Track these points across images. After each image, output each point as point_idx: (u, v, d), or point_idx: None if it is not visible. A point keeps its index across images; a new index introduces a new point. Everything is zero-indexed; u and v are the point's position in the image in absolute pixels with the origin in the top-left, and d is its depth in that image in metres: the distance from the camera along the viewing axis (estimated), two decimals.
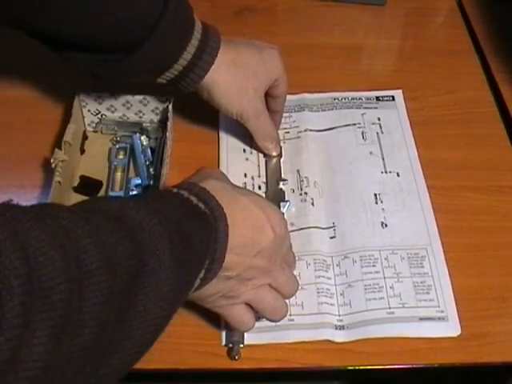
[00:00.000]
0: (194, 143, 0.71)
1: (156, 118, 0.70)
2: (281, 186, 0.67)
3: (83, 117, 0.70)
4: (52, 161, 0.61)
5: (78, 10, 0.55)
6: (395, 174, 0.69)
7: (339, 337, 0.56)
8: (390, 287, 0.59)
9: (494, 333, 0.57)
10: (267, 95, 0.68)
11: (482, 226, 0.65)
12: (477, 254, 0.63)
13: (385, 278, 0.60)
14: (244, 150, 0.71)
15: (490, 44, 0.84)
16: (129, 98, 0.68)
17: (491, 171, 0.70)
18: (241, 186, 0.67)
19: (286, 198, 0.66)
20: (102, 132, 0.71)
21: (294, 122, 0.74)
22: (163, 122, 0.68)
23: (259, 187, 0.67)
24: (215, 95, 0.63)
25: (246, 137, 0.71)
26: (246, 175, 0.68)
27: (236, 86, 0.63)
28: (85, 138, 0.70)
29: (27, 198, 0.65)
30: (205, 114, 0.74)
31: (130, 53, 0.57)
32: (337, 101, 0.76)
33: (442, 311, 0.58)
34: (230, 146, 0.71)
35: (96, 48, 0.58)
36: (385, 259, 0.61)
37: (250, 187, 0.67)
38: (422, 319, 0.57)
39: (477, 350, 0.56)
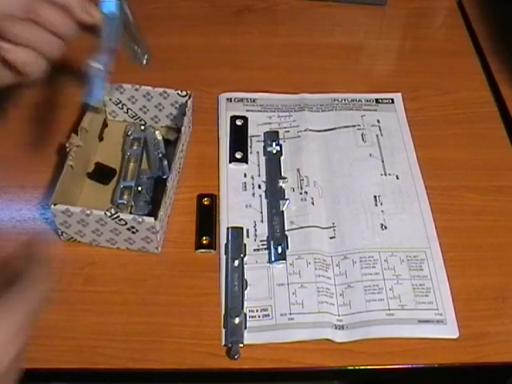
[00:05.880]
0: (194, 143, 0.71)
1: (174, 112, 0.70)
2: (280, 184, 0.67)
3: (104, 105, 0.70)
4: (67, 145, 0.62)
5: None
6: (395, 177, 0.69)
7: (339, 336, 0.56)
8: (390, 289, 0.59)
9: (494, 333, 0.57)
10: None
11: (482, 225, 0.65)
12: (476, 254, 0.63)
13: (384, 279, 0.60)
14: (244, 150, 0.71)
15: (490, 44, 0.84)
16: (150, 89, 0.69)
17: (491, 171, 0.70)
18: (240, 185, 0.67)
19: (286, 197, 0.66)
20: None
21: (294, 121, 0.74)
22: (180, 119, 0.68)
23: (259, 186, 0.67)
24: None
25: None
26: (245, 175, 0.68)
27: None
28: (105, 125, 0.71)
29: (27, 197, 0.65)
30: (205, 113, 0.74)
31: None
32: (336, 102, 0.76)
33: (441, 314, 0.58)
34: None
35: None
36: (384, 261, 0.61)
37: (249, 186, 0.67)
38: (420, 321, 0.57)
39: (477, 350, 0.56)
